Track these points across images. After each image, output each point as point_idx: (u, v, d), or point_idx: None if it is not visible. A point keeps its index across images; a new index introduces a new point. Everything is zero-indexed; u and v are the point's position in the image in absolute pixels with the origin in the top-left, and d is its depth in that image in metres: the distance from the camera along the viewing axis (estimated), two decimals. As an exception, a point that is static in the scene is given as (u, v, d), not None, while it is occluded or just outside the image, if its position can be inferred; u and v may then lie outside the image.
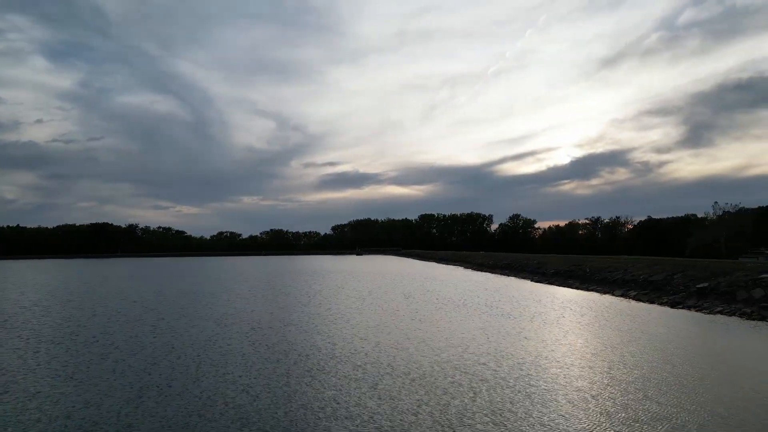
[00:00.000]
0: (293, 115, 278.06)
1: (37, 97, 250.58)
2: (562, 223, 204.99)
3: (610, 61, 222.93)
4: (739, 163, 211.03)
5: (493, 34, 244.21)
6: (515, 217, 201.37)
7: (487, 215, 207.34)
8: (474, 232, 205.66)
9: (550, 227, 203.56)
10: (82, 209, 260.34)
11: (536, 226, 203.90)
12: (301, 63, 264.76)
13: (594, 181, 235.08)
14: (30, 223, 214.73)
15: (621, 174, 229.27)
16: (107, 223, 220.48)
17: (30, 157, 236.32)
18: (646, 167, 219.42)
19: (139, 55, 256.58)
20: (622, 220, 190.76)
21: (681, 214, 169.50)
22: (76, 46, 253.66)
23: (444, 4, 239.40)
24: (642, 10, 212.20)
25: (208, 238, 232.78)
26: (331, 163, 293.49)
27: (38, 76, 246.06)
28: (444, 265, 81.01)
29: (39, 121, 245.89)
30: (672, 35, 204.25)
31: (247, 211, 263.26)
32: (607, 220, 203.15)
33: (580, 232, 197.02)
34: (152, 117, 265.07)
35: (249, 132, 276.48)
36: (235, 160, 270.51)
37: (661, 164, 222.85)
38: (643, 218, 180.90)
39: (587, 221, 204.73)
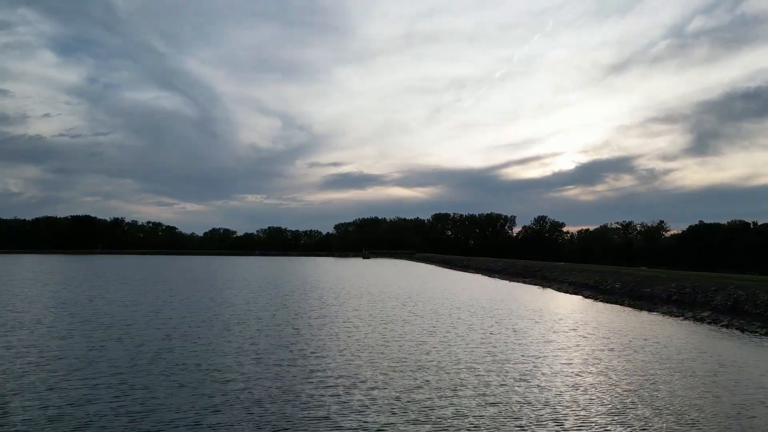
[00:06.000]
0: (298, 114, 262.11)
1: (44, 91, 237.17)
2: (591, 227, 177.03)
3: (617, 68, 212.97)
4: (745, 172, 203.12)
5: (499, 37, 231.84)
6: (541, 219, 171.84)
7: (509, 216, 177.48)
8: (493, 234, 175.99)
9: (579, 231, 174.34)
10: (85, 204, 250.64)
11: (564, 229, 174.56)
12: (307, 62, 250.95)
13: (599, 188, 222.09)
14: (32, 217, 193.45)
15: (626, 181, 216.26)
16: (89, 216, 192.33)
17: (36, 151, 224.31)
18: (652, 174, 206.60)
19: (146, 51, 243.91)
20: (666, 225, 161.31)
21: (693, 221, 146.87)
22: (84, 41, 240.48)
23: (451, 6, 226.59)
24: (650, 17, 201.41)
25: (201, 235, 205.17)
26: (335, 164, 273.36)
27: (46, 70, 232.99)
28: (506, 282, 51.48)
29: (46, 115, 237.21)
30: (680, 43, 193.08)
31: (251, 210, 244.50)
32: (638, 225, 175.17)
33: (616, 237, 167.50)
34: (158, 113, 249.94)
35: (254, 130, 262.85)
36: (240, 159, 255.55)
37: (667, 172, 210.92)
38: (694, 222, 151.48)
39: (618, 225, 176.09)
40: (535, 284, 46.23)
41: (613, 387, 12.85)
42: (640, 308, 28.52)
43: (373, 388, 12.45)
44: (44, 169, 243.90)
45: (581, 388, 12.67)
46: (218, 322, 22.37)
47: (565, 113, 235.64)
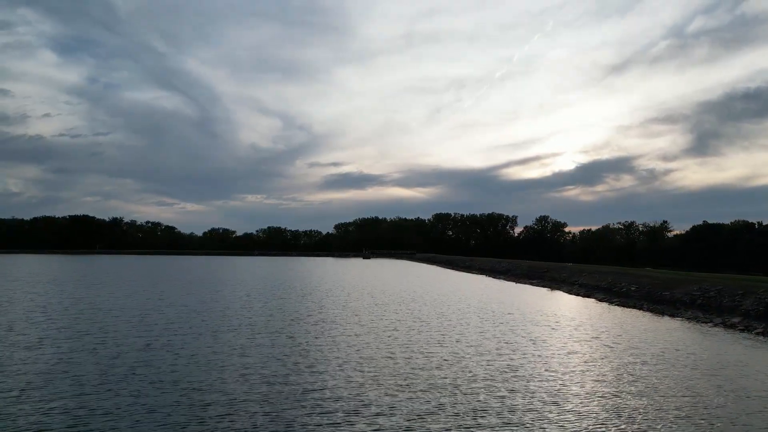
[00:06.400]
0: (299, 114, 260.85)
1: (44, 91, 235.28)
2: (592, 227, 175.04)
3: (617, 68, 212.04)
4: (745, 172, 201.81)
5: (499, 38, 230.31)
6: (543, 219, 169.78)
7: (510, 216, 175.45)
8: (495, 234, 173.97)
9: (581, 232, 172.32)
10: (85, 204, 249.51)
11: (566, 229, 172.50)
12: (307, 62, 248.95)
13: (599, 188, 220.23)
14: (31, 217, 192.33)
15: (626, 181, 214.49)
16: (88, 216, 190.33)
17: (36, 151, 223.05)
18: (652, 175, 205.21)
19: (146, 51, 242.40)
20: (670, 226, 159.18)
21: (694, 222, 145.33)
22: (84, 41, 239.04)
23: (451, 6, 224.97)
24: (651, 17, 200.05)
25: (200, 234, 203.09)
26: (335, 164, 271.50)
27: (46, 70, 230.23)
28: (512, 283, 49.50)
29: (46, 115, 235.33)
30: (681, 43, 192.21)
31: (251, 210, 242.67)
32: (641, 226, 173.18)
33: (618, 237, 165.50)
34: (158, 113, 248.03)
35: (254, 130, 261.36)
36: (240, 159, 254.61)
37: (667, 172, 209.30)
38: (694, 223, 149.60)
39: (620, 226, 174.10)
40: (542, 286, 44.23)
41: (662, 413, 10.82)
42: (661, 313, 26.51)
43: (378, 414, 10.44)
44: (44, 169, 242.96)
45: (625, 415, 10.65)
46: (206, 329, 20.34)
47: (565, 113, 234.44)
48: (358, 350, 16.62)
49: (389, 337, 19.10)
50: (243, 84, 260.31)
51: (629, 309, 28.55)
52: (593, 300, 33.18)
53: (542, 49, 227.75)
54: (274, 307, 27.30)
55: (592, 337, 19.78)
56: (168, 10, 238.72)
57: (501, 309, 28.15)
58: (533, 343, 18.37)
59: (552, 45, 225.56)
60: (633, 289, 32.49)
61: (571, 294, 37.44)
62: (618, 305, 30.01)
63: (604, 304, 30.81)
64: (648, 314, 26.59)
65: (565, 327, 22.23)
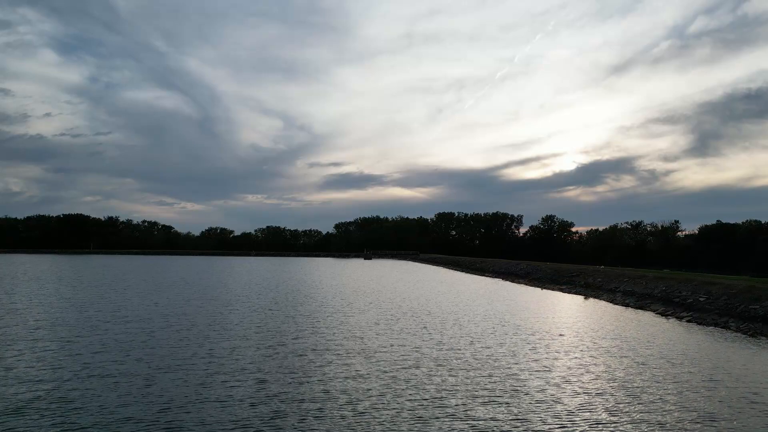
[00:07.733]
0: (299, 114, 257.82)
1: (45, 91, 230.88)
2: (601, 228, 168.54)
3: (618, 68, 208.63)
4: (746, 173, 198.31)
5: (501, 38, 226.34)
6: (549, 219, 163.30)
7: (515, 216, 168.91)
8: (499, 234, 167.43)
9: (588, 232, 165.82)
10: (86, 203, 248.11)
11: (573, 229, 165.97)
12: (308, 63, 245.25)
13: (599, 188, 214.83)
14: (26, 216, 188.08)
15: (627, 181, 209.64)
16: (82, 215, 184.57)
17: (37, 150, 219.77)
18: (653, 175, 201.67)
19: (147, 50, 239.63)
20: (680, 226, 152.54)
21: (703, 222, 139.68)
22: (85, 41, 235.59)
23: (452, 6, 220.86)
24: (652, 17, 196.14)
25: (198, 234, 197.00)
26: (336, 164, 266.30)
27: (47, 69, 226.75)
28: (538, 289, 43.07)
29: (47, 114, 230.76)
30: (682, 44, 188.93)
31: (251, 210, 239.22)
32: (648, 226, 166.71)
33: (626, 237, 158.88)
34: (159, 113, 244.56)
35: (254, 130, 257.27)
36: (241, 159, 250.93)
37: (668, 173, 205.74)
38: (711, 222, 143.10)
39: (629, 226, 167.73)
40: (575, 293, 37.70)
41: None
42: (758, 334, 20.05)
43: None
44: (45, 168, 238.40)
45: None
46: (145, 364, 13.83)
47: (565, 114, 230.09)
48: (363, 414, 10.09)
49: (410, 382, 12.58)
50: (243, 84, 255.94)
51: (711, 327, 22.02)
52: (652, 313, 26.63)
53: (543, 50, 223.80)
54: (252, 326, 20.76)
55: (709, 379, 13.30)
56: (169, 9, 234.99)
57: (545, 327, 21.62)
58: (629, 396, 11.84)
59: (553, 45, 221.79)
60: (702, 299, 25.92)
61: (615, 304, 30.92)
62: (692, 322, 23.46)
63: (672, 321, 24.27)
64: (742, 336, 20.08)
65: (652, 359, 15.71)
